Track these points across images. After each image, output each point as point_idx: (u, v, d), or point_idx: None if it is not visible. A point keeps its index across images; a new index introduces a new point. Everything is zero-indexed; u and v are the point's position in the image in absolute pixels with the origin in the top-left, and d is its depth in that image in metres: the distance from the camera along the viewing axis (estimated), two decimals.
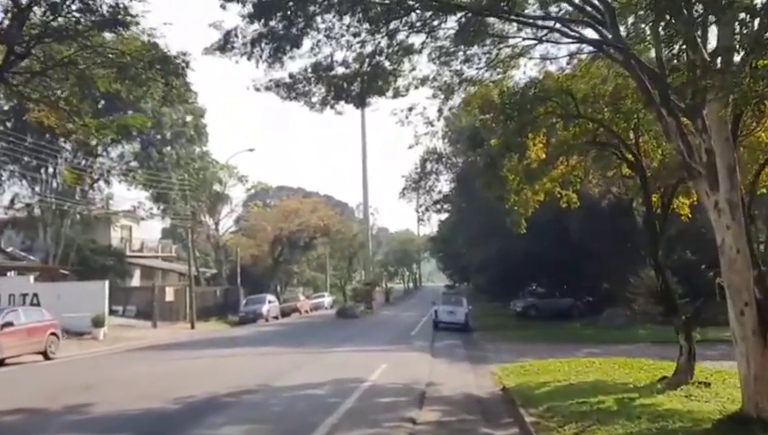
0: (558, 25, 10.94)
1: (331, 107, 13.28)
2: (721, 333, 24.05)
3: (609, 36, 9.34)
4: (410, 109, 15.68)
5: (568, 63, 15.07)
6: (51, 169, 37.57)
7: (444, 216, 55.98)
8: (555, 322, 33.15)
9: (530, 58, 14.38)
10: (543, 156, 15.14)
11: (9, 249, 39.90)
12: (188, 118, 40.99)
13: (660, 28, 8.44)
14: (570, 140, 14.77)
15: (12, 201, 39.67)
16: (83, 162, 39.39)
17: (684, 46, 8.37)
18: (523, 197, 15.44)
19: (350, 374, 14.77)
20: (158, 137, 38.44)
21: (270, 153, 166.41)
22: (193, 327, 36.88)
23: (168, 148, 39.58)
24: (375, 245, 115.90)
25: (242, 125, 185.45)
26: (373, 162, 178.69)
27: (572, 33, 10.58)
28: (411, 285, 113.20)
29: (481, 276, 50.27)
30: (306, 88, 12.29)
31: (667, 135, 9.11)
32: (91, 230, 43.79)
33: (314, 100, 12.67)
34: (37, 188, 38.82)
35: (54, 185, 38.40)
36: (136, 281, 48.84)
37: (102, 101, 34.08)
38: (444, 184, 44.19)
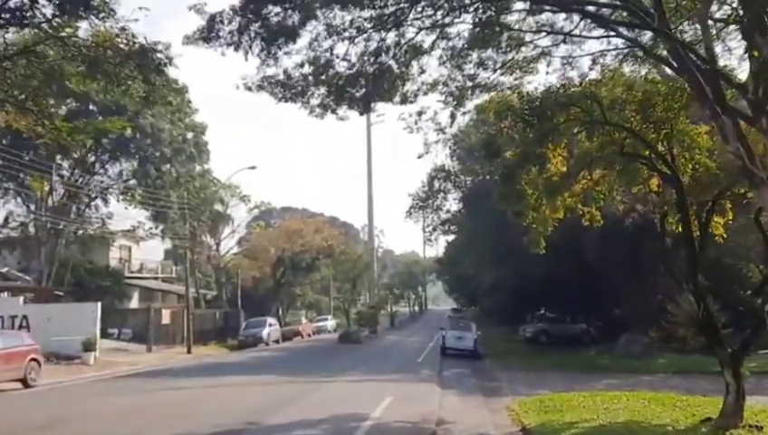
0: (591, 12, 9.67)
1: (333, 111, 12.02)
2: (747, 364, 22.66)
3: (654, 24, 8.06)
4: (420, 113, 14.37)
5: (591, 69, 13.85)
6: (47, 187, 36.43)
7: (451, 237, 54.60)
8: (567, 349, 31.59)
9: (551, 58, 13.15)
10: (564, 169, 13.85)
11: (4, 269, 38.68)
12: (189, 135, 39.89)
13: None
14: (593, 151, 13.50)
15: (6, 220, 38.53)
16: (80, 180, 38.28)
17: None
18: (542, 214, 14.10)
19: (350, 409, 13.31)
20: (157, 154, 37.23)
21: (273, 173, 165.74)
22: (189, 351, 35.38)
23: (168, 165, 38.37)
24: (380, 267, 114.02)
25: (241, 140, 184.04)
26: (379, 181, 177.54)
27: (607, 20, 9.31)
28: (417, 308, 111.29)
29: (490, 300, 48.75)
30: (304, 87, 11.00)
31: (724, 137, 7.80)
32: (88, 250, 42.60)
33: (313, 102, 11.39)
34: (32, 207, 37.69)
35: (50, 203, 37.26)
36: (135, 303, 47.52)
37: (99, 117, 33.20)
38: (452, 203, 42.64)
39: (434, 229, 43.05)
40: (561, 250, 26.97)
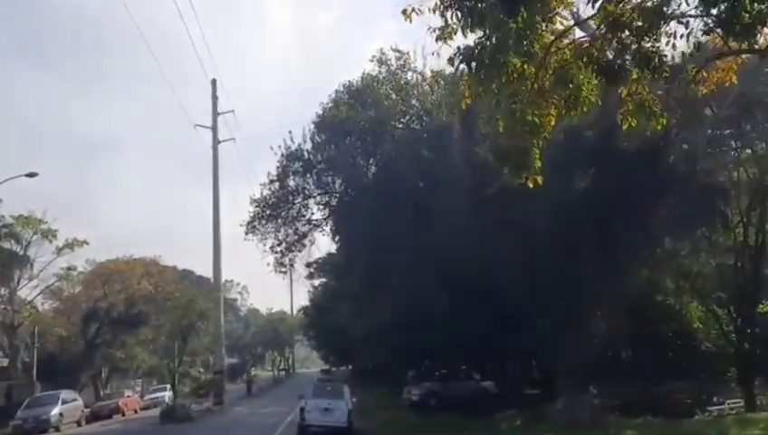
0: None
1: None
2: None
3: None
4: None
5: None
6: None
7: (318, 282, 44.84)
8: (475, 416, 23.06)
9: None
10: None
11: None
12: None
13: None
14: None
15: None
16: None
17: None
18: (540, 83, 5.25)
19: None
20: None
21: (117, 221, 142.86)
22: None
23: None
24: (242, 326, 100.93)
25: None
26: (243, 241, 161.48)
27: None
28: (283, 371, 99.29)
29: (365, 355, 39.48)
30: None
31: None
32: None
33: None
34: None
35: None
36: None
37: None
38: (316, 211, 28.82)
39: (288, 249, 29.13)
40: (457, 278, 20.65)
